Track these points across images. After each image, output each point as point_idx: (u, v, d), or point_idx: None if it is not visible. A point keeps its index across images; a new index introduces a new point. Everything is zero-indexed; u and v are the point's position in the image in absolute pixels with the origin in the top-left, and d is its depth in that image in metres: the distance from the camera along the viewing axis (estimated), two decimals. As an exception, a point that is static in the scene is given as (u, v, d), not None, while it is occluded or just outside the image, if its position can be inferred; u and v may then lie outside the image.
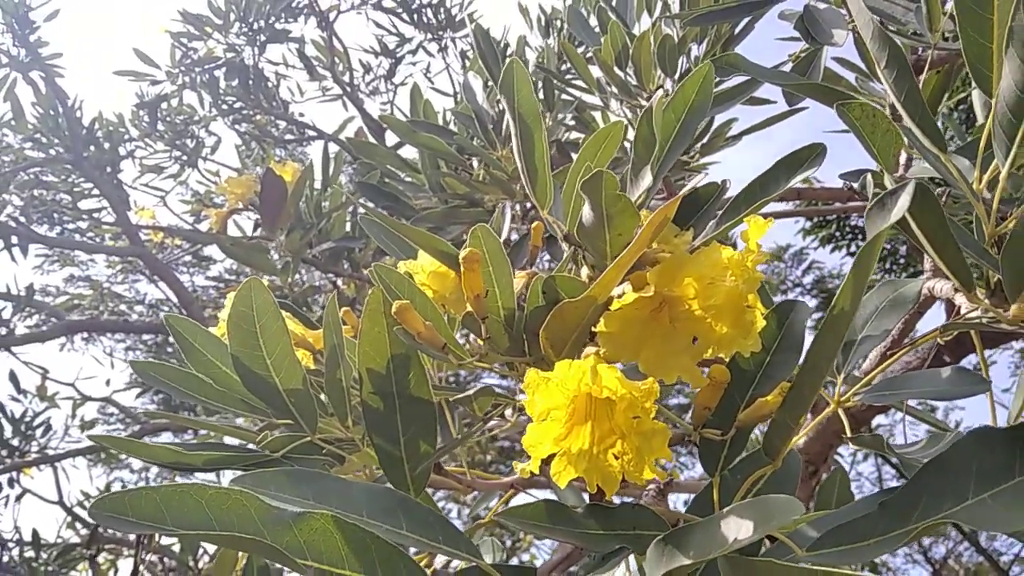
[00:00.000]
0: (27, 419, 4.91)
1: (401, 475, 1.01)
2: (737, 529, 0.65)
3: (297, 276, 2.87)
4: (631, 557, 0.85)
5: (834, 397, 1.08)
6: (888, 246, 7.29)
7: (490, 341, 0.94)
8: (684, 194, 0.73)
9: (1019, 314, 0.93)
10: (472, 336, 1.02)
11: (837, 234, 8.19)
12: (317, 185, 2.84)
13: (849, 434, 1.03)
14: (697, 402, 0.82)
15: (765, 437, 0.79)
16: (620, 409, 0.70)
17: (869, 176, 0.99)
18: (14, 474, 4.89)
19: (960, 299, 1.19)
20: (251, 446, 1.12)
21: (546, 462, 0.76)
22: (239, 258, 2.64)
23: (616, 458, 0.73)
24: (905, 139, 0.84)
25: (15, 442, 4.76)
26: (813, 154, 0.96)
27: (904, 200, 0.68)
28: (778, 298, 1.08)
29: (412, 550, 0.88)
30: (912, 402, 1.62)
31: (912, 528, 0.64)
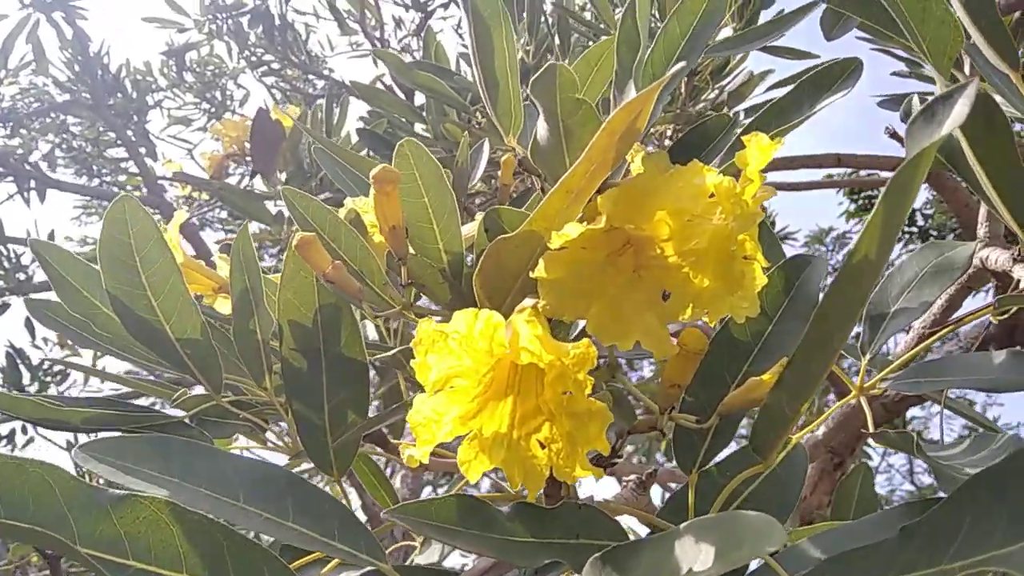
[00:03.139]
0: (44, 366, 4.90)
1: (322, 447, 0.85)
2: (694, 556, 0.46)
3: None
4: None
5: (856, 382, 0.88)
6: (934, 233, 6.89)
7: (425, 290, 0.76)
8: (665, 82, 0.53)
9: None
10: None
11: (884, 217, 7.80)
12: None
13: (873, 428, 0.83)
14: (664, 377, 0.62)
15: (753, 427, 0.59)
16: (549, 381, 0.51)
17: (915, 99, 0.78)
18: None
19: (1020, 271, 0.97)
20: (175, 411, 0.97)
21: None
22: (234, 205, 2.48)
23: (542, 446, 0.54)
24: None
25: (32, 389, 4.74)
26: (846, 71, 0.75)
27: (962, 107, 0.48)
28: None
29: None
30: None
31: (944, 570, 0.45)
